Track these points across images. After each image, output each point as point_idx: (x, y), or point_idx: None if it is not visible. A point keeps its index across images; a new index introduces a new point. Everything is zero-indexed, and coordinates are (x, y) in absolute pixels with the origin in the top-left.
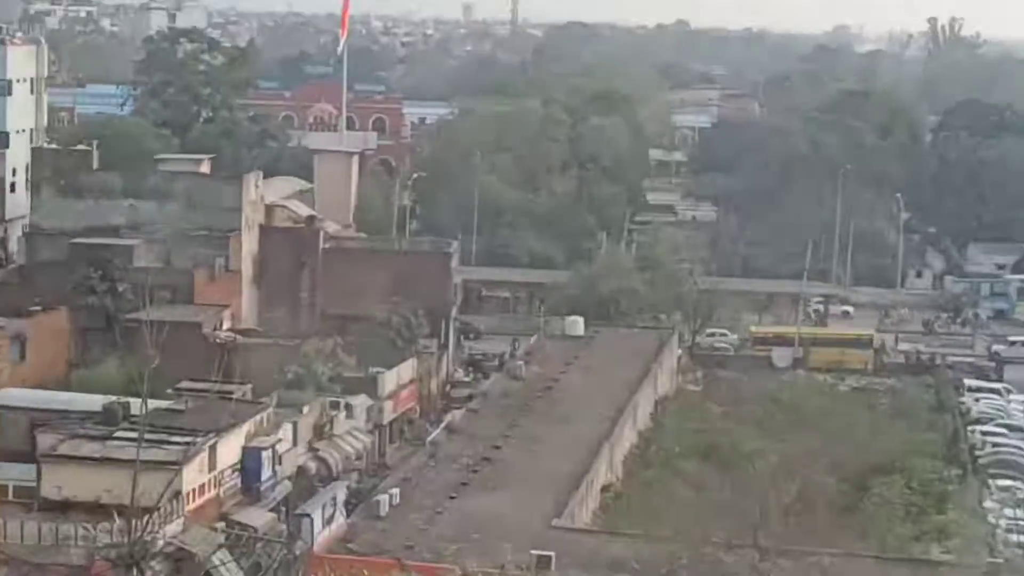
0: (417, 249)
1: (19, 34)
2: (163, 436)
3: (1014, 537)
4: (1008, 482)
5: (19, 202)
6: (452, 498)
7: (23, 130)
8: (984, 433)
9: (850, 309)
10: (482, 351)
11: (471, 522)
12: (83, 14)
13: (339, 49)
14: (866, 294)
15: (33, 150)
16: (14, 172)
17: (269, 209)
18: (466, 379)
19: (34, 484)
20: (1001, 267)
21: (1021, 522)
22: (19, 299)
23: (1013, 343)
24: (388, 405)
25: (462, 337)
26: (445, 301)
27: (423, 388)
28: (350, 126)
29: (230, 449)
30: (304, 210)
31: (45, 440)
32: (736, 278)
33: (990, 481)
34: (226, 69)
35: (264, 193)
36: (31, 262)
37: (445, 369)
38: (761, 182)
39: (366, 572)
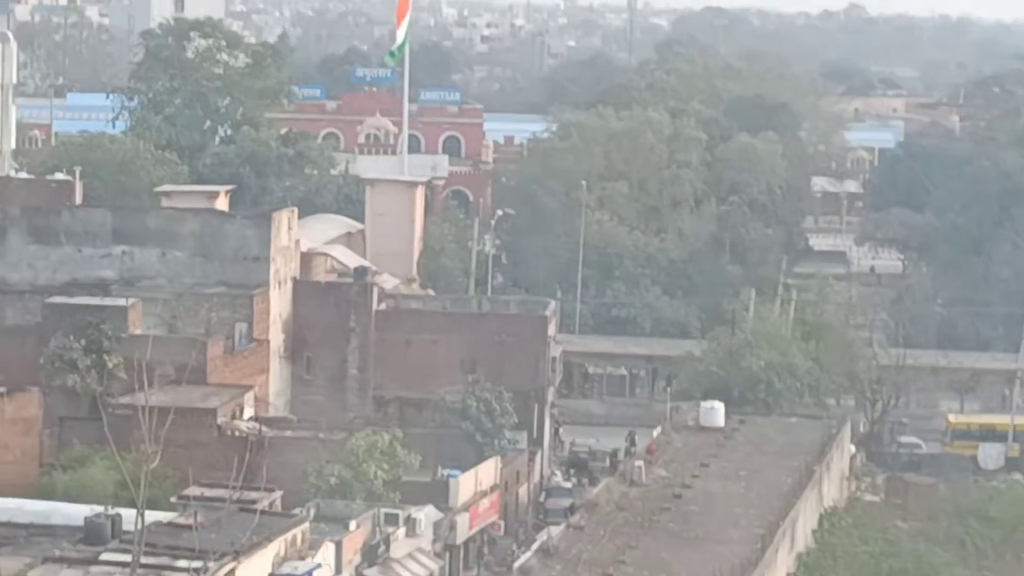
0: (502, 311)
1: None
2: (165, 560)
3: None
4: None
5: None
6: None
7: None
8: None
9: None
10: (588, 447)
11: None
12: (63, 1)
13: (397, 45)
14: None
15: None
16: None
17: (306, 258)
18: (567, 485)
19: None
20: None
21: None
22: None
23: None
24: (463, 519)
25: (560, 428)
26: (539, 381)
27: (509, 496)
28: (413, 148)
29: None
30: (352, 259)
31: (10, 565)
32: (930, 350)
33: None
34: (250, 73)
35: (300, 237)
36: None
37: (539, 471)
38: (963, 220)
39: None
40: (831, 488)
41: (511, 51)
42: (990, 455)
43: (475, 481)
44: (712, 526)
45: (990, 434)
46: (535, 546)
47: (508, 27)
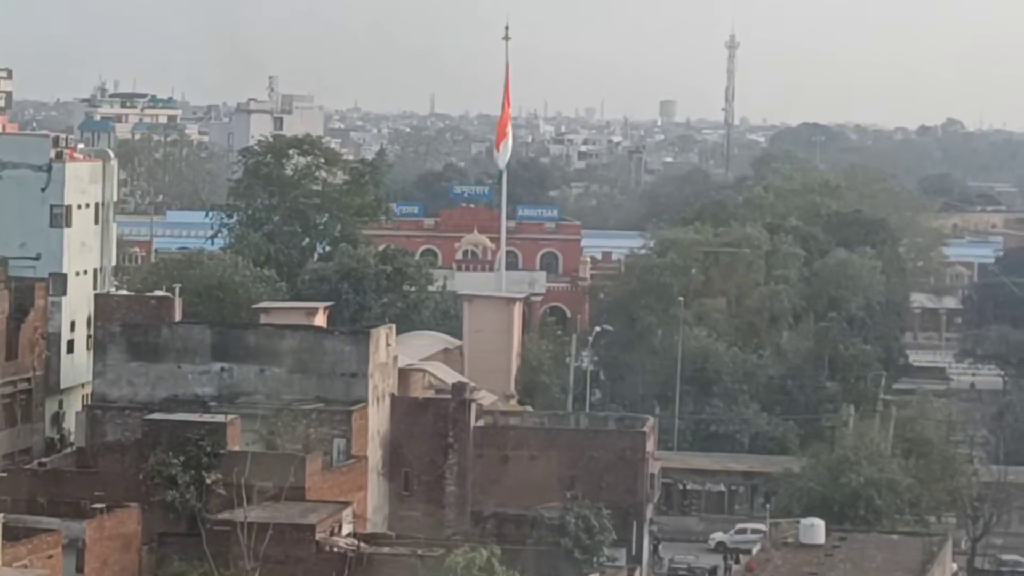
0: (600, 428)
1: (81, 146)
2: None
3: None
4: None
5: (79, 366)
6: None
7: (85, 271)
8: None
9: None
10: (687, 564)
11: None
12: (163, 119)
13: (500, 161)
14: None
15: (97, 297)
16: (72, 326)
17: (404, 374)
18: None
19: None
20: None
21: None
22: (77, 493)
23: None
24: None
25: (659, 545)
26: (638, 497)
27: None
28: (511, 264)
29: None
30: (450, 375)
31: None
32: None
33: None
34: (348, 190)
35: (398, 353)
36: (93, 444)
37: None
38: None
39: None
40: None
41: (608, 167)
42: None
43: None
44: None
45: None
46: None
47: (605, 143)
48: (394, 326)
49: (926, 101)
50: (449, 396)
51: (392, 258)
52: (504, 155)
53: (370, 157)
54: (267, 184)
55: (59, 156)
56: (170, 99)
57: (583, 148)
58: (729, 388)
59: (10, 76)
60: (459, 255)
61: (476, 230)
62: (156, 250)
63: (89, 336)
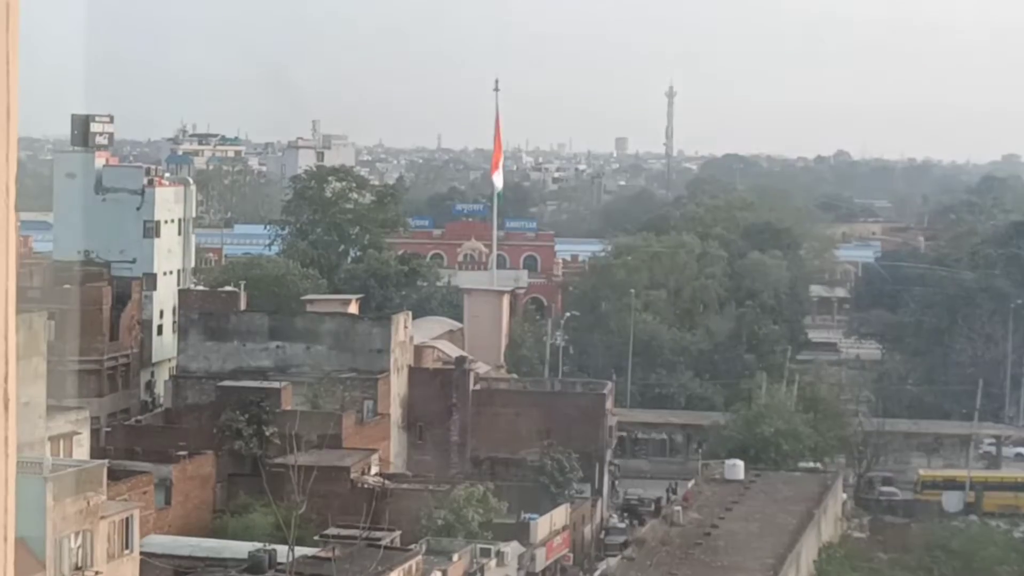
0: (570, 391)
1: (167, 175)
2: None
3: None
4: None
5: (166, 345)
6: None
7: (171, 272)
8: None
9: None
10: (638, 496)
11: None
12: (231, 154)
13: (495, 186)
14: None
15: (180, 292)
16: (161, 314)
17: (418, 350)
18: (621, 525)
19: None
20: None
21: None
22: (165, 443)
23: None
24: (541, 552)
25: (616, 481)
26: (599, 444)
27: (576, 534)
28: (501, 265)
29: None
30: (454, 351)
31: None
32: (903, 419)
33: None
34: (374, 208)
35: (413, 334)
36: (177, 405)
37: (599, 515)
38: (927, 318)
39: None
40: (827, 527)
41: (575, 189)
42: (952, 501)
43: (550, 523)
44: (735, 557)
45: (952, 484)
46: (597, 574)
47: (573, 171)
48: (410, 313)
49: (821, 135)
50: (453, 367)
51: (408, 261)
52: (499, 181)
53: (391, 182)
54: (311, 204)
55: (150, 183)
56: (236, 138)
57: (556, 175)
58: (669, 359)
59: (112, 121)
60: (460, 258)
61: (474, 238)
62: (226, 255)
63: (174, 322)
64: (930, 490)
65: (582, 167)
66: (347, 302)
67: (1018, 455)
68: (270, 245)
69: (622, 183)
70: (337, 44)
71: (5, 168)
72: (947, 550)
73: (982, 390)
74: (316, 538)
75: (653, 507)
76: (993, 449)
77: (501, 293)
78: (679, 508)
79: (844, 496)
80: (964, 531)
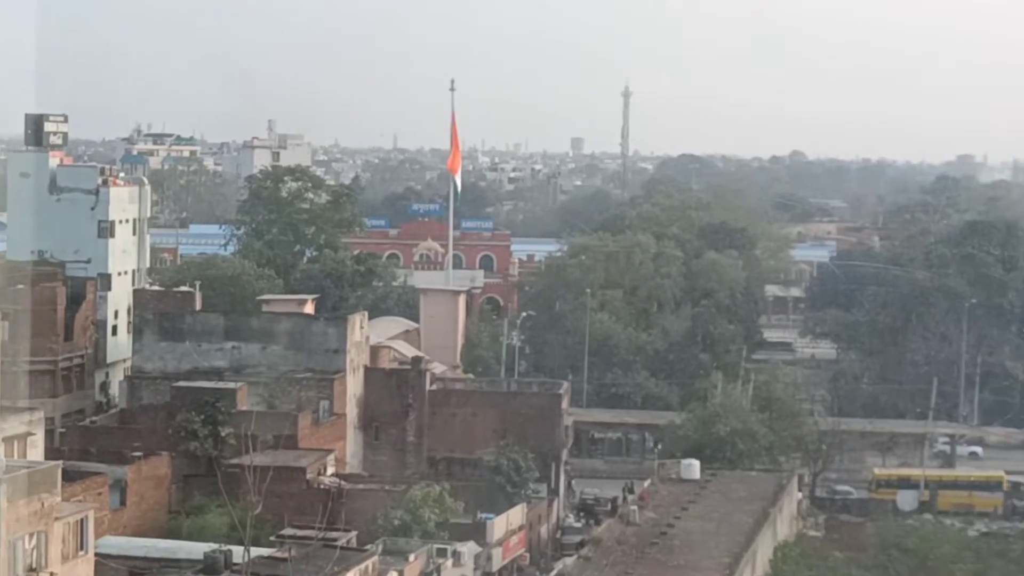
0: (526, 390)
1: (122, 175)
2: None
3: None
4: None
5: (121, 345)
6: None
7: (125, 272)
8: None
9: (979, 450)
10: (594, 495)
11: None
12: (186, 154)
13: (455, 185)
14: (995, 434)
15: (135, 292)
16: (116, 315)
17: (374, 350)
18: (577, 524)
19: None
20: None
21: None
22: (120, 444)
23: None
24: (497, 552)
25: (572, 481)
26: (555, 443)
27: (533, 534)
28: (457, 264)
29: None
30: (410, 351)
31: None
32: (858, 418)
33: None
34: (330, 207)
35: (369, 334)
36: (132, 406)
37: (556, 514)
38: (882, 318)
39: None
40: (783, 526)
41: (531, 189)
42: (906, 500)
43: (506, 522)
44: (691, 556)
45: (906, 483)
46: (553, 573)
47: (529, 171)
48: (366, 313)
49: (776, 136)
50: (409, 367)
51: (364, 260)
52: (458, 180)
53: (347, 182)
54: (267, 204)
55: (105, 183)
56: (191, 138)
57: (512, 175)
58: (625, 359)
59: (66, 120)
60: (416, 258)
61: (430, 238)
62: (181, 255)
63: (129, 322)
64: (885, 489)
65: (538, 167)
66: (303, 302)
67: (972, 454)
68: (225, 245)
69: (578, 183)
70: (293, 44)
71: None
72: (902, 549)
73: (936, 389)
74: (272, 539)
75: (609, 507)
76: (947, 448)
77: (457, 293)
78: (635, 507)
79: (800, 495)
80: (918, 530)
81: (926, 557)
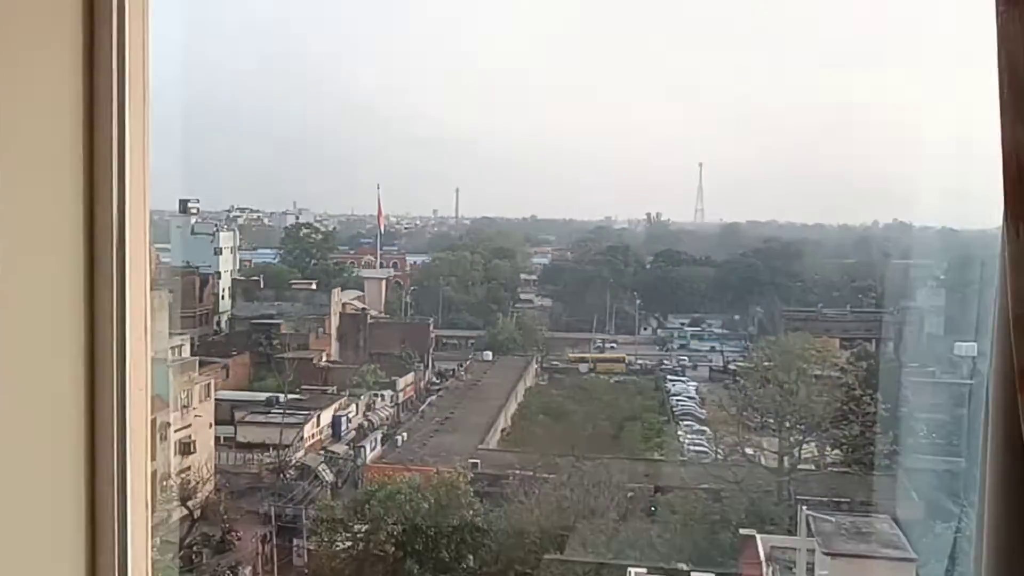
0: (414, 322)
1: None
2: (295, 411)
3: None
4: (689, 423)
5: (226, 304)
6: (431, 437)
7: (227, 271)
8: (675, 397)
9: (615, 344)
10: (446, 368)
11: (442, 448)
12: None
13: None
14: (622, 339)
15: (233, 280)
16: (223, 290)
17: (344, 305)
18: (437, 381)
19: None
20: (684, 323)
21: (692, 440)
22: (225, 349)
23: (686, 358)
24: (401, 394)
25: (434, 361)
26: (427, 344)
27: (417, 385)
28: (383, 265)
29: (327, 416)
30: (361, 305)
31: (239, 415)
32: (563, 332)
33: (680, 423)
34: (323, 242)
35: (341, 297)
36: (231, 333)
37: (427, 377)
38: (572, 287)
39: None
40: (529, 380)
41: (416, 232)
42: (584, 366)
43: (404, 381)
44: (489, 393)
45: (583, 360)
46: (426, 403)
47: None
48: (340, 288)
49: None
50: (361, 312)
51: (340, 264)
52: (382, 228)
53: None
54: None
55: (217, 229)
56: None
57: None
58: (458, 308)
59: (198, 200)
60: (363, 262)
61: (369, 255)
62: (253, 262)
63: (230, 294)
64: (574, 362)
65: (419, 222)
66: (310, 284)
67: (611, 346)
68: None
69: (435, 230)
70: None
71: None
72: (582, 387)
73: (597, 319)
74: (297, 391)
75: (452, 373)
76: (602, 344)
77: (382, 279)
78: (464, 373)
79: (536, 365)
80: (589, 378)
81: (592, 390)
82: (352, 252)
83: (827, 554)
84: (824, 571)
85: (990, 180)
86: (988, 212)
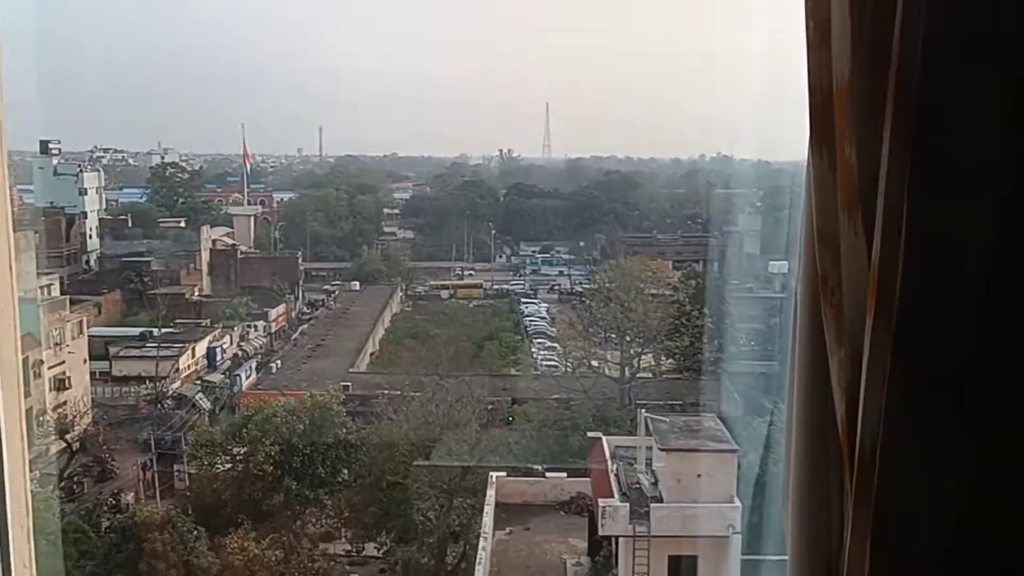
0: (283, 256)
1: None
2: (169, 344)
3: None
4: (541, 340)
5: (94, 243)
6: (304, 363)
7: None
8: (528, 318)
9: (472, 272)
10: (316, 298)
11: (314, 373)
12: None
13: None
14: (480, 267)
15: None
16: (91, 230)
17: (214, 242)
18: (308, 311)
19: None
20: (535, 251)
21: (544, 356)
22: (96, 288)
23: (537, 282)
24: (273, 324)
25: (304, 293)
26: (296, 277)
27: (289, 316)
28: (251, 202)
29: (201, 347)
30: (230, 241)
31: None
32: (425, 261)
33: (533, 340)
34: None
35: (211, 234)
36: (101, 271)
37: (298, 307)
38: (432, 219)
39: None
40: (395, 307)
41: (283, 169)
42: (446, 293)
43: (277, 312)
44: (358, 320)
45: (445, 288)
46: (299, 331)
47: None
48: (210, 225)
49: None
50: (231, 248)
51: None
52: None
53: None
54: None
55: (81, 170)
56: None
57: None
58: (325, 241)
59: (59, 142)
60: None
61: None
62: (121, 202)
63: (98, 233)
64: (437, 290)
65: (285, 161)
66: (180, 222)
67: (470, 274)
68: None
69: (302, 167)
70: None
71: None
72: (443, 312)
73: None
74: (171, 325)
75: (323, 302)
76: (460, 272)
77: (250, 216)
78: (334, 303)
79: (401, 292)
80: (450, 303)
81: (454, 314)
82: (220, 190)
83: (663, 450)
84: (660, 464)
85: (799, 116)
86: (797, 146)
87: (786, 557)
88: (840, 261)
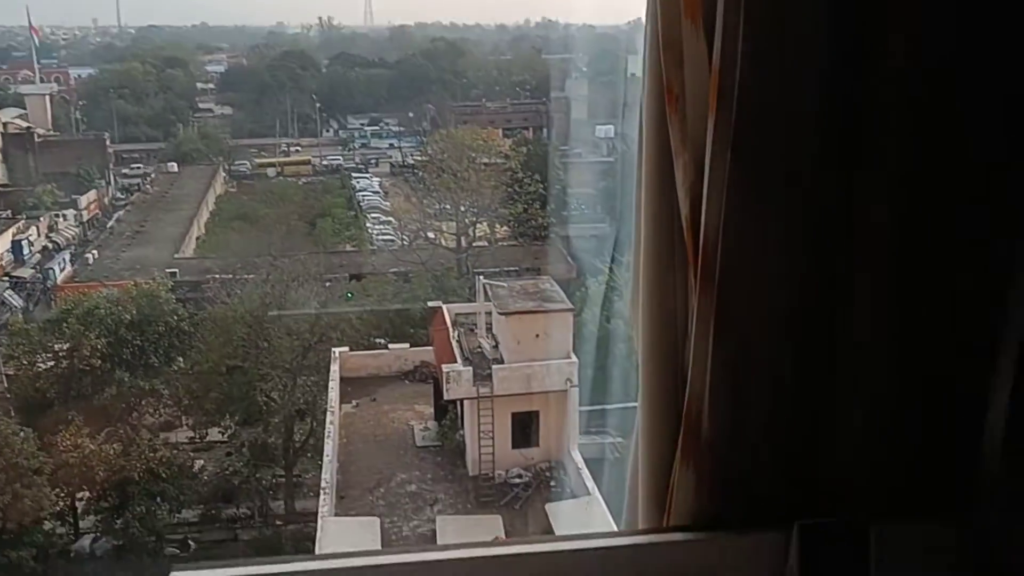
0: (88, 138)
1: None
2: None
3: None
4: (376, 215)
5: None
6: (123, 251)
7: None
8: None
9: (299, 148)
10: (130, 183)
11: (136, 262)
12: None
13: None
14: (306, 142)
15: None
16: None
17: (5, 125)
18: (122, 197)
19: None
20: (363, 123)
21: (380, 230)
22: None
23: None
24: (85, 213)
25: (116, 177)
26: (106, 160)
27: (101, 202)
28: (44, 80)
29: (4, 241)
30: (24, 124)
31: None
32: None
33: (367, 216)
34: None
35: (2, 116)
36: None
37: (111, 193)
38: (251, 94)
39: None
40: (219, 189)
41: (77, 43)
42: (274, 170)
43: (88, 199)
44: (181, 204)
45: (271, 165)
46: (114, 219)
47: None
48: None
49: None
50: (26, 132)
51: None
52: (37, 41)
53: None
54: None
55: None
56: None
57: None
58: (129, 121)
59: None
60: (20, 79)
61: (27, 71)
62: None
63: None
64: (264, 168)
65: (79, 34)
66: None
67: (296, 149)
68: None
69: (99, 40)
70: None
71: None
72: (272, 192)
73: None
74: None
75: (139, 185)
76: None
77: (44, 95)
78: (149, 186)
79: (224, 174)
80: (279, 181)
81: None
82: (5, 68)
83: (502, 314)
84: (500, 327)
85: None
86: (623, 8)
87: (624, 406)
88: (683, 67)
